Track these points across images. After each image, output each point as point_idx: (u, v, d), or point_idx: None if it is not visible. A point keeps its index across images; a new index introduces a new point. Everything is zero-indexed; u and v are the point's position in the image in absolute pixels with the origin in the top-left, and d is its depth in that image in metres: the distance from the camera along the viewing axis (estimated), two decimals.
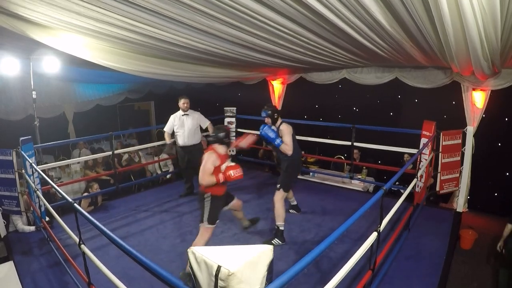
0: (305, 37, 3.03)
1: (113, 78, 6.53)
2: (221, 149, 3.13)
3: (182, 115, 4.80)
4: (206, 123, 4.98)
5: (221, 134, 3.14)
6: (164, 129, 4.91)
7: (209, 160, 2.98)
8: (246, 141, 3.75)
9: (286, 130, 3.68)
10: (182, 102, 4.79)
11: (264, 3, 2.24)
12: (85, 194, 4.84)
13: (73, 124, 7.87)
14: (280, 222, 3.64)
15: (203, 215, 3.08)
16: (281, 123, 3.76)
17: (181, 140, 4.82)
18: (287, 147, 3.63)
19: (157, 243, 3.71)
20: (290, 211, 4.36)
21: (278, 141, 3.63)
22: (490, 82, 4.17)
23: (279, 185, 3.75)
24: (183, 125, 4.79)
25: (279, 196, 3.70)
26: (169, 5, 2.36)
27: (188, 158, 4.88)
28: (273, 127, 3.72)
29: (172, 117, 4.87)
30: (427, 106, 5.63)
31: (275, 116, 3.76)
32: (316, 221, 4.08)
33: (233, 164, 3.12)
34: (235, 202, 3.53)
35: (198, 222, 3.14)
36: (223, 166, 3.07)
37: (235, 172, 3.03)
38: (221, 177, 2.98)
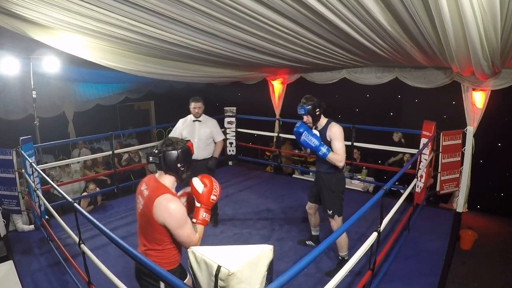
0: (305, 37, 3.03)
1: (113, 78, 6.54)
2: (171, 181, 1.82)
3: (194, 121, 3.79)
4: (219, 137, 3.85)
5: (174, 154, 1.74)
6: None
7: (180, 213, 1.67)
8: (215, 193, 1.82)
9: (338, 132, 2.72)
10: (193, 107, 3.74)
11: (264, 3, 2.25)
12: (84, 194, 4.84)
13: (73, 124, 7.87)
14: (344, 253, 2.98)
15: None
16: (328, 123, 2.79)
17: None
18: (339, 157, 2.68)
19: None
20: (308, 242, 3.47)
21: (324, 149, 2.66)
22: (490, 82, 4.17)
23: (331, 212, 2.90)
24: (194, 133, 3.72)
25: (337, 224, 2.91)
26: (169, 5, 2.36)
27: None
28: (314, 131, 2.77)
29: (180, 121, 3.87)
30: (427, 106, 5.63)
31: (317, 113, 2.74)
32: None
33: (199, 183, 1.78)
34: None
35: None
36: None
37: (215, 191, 1.80)
38: (204, 214, 1.77)
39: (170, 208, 1.62)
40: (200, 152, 3.69)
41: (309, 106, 2.70)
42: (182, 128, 3.80)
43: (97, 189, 4.86)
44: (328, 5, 2.15)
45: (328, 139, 2.74)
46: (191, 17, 2.58)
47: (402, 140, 5.68)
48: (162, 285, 1.73)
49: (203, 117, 3.82)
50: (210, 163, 3.78)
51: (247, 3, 2.25)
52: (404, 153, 5.47)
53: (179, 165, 1.73)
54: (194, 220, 1.73)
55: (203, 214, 1.75)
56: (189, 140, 1.84)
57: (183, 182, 1.84)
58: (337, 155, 2.67)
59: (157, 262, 1.58)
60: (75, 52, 3.74)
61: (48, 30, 3.34)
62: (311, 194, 3.18)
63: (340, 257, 3.02)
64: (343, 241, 2.93)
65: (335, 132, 2.72)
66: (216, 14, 2.49)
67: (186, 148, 1.76)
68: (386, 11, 2.20)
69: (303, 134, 2.72)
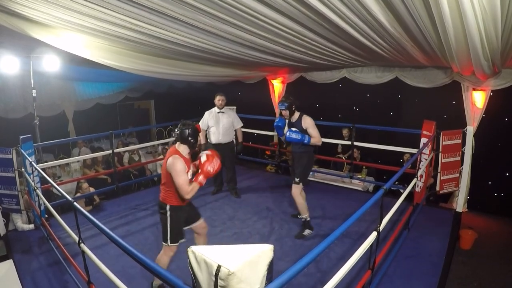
0: (306, 37, 3.02)
1: (113, 77, 6.53)
2: (185, 150, 2.60)
3: (218, 112, 4.65)
4: (239, 124, 4.84)
5: (186, 131, 2.55)
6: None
7: (179, 168, 2.46)
8: (213, 167, 2.63)
9: (311, 122, 3.55)
10: (218, 99, 4.62)
11: (266, 3, 2.24)
12: (78, 194, 4.76)
13: (73, 123, 7.87)
14: (305, 215, 3.67)
15: (165, 233, 2.62)
16: (301, 115, 3.60)
17: (214, 138, 4.67)
18: (317, 139, 3.54)
19: (157, 242, 3.70)
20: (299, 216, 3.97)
21: (306, 139, 3.48)
22: (490, 82, 4.17)
23: (298, 179, 3.62)
24: (218, 122, 4.63)
25: (298, 190, 3.62)
26: (171, 4, 2.36)
27: (220, 157, 4.61)
28: (294, 129, 3.56)
29: (207, 113, 4.72)
30: (427, 105, 5.63)
31: (293, 108, 3.60)
32: (316, 221, 4.07)
33: (205, 158, 2.61)
34: (199, 224, 2.82)
35: (162, 240, 2.68)
36: (190, 172, 2.60)
37: (213, 165, 2.60)
38: (201, 178, 2.54)
39: (173, 162, 2.47)
40: (224, 137, 4.69)
41: (287, 104, 3.54)
42: (208, 118, 4.65)
43: (91, 188, 4.82)
44: (329, 4, 2.14)
45: (304, 127, 3.56)
46: (192, 16, 2.58)
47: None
48: (168, 212, 2.59)
49: (225, 109, 4.72)
50: (238, 148, 4.96)
51: (249, 2, 2.24)
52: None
53: (190, 138, 2.57)
54: (193, 179, 2.56)
55: (200, 177, 2.56)
56: (197, 123, 2.71)
57: (194, 151, 2.69)
58: (316, 139, 3.54)
59: (165, 196, 2.61)
60: (76, 51, 3.73)
61: (49, 29, 3.33)
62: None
63: (302, 219, 3.74)
64: (302, 206, 3.67)
65: (309, 122, 3.56)
66: (217, 13, 2.49)
67: (194, 127, 2.60)
68: (387, 11, 2.20)
69: (288, 133, 3.55)
